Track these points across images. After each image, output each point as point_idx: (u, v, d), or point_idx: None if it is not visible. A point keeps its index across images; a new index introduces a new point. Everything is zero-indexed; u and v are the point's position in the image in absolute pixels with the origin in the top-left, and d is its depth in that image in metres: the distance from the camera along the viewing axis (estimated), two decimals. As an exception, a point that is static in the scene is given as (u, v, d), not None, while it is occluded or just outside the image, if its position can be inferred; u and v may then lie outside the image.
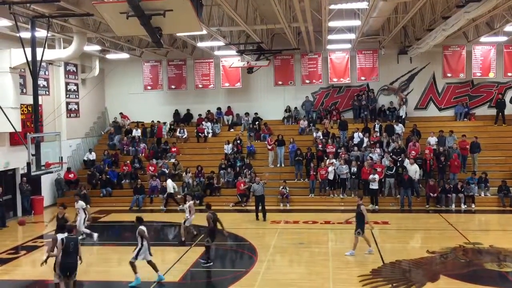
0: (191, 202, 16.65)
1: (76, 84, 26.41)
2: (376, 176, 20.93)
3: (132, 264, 11.96)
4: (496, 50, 25.14)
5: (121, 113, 28.20)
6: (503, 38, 22.90)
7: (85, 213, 16.39)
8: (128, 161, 24.91)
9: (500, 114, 25.12)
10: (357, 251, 14.12)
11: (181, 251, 15.06)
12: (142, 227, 12.16)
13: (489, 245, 14.96)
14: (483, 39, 23.10)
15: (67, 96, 25.20)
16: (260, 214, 19.38)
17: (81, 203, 16.40)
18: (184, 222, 16.39)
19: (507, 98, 25.50)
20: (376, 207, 20.88)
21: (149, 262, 12.14)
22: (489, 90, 26.06)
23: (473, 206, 20.80)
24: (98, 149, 26.75)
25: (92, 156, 25.70)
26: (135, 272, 11.89)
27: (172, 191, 22.22)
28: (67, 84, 25.22)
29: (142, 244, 12.02)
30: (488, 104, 26.05)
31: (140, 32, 9.23)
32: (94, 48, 23.16)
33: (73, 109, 26.03)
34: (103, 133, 28.37)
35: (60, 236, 10.75)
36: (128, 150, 26.30)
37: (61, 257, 10.48)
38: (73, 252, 10.54)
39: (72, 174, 24.21)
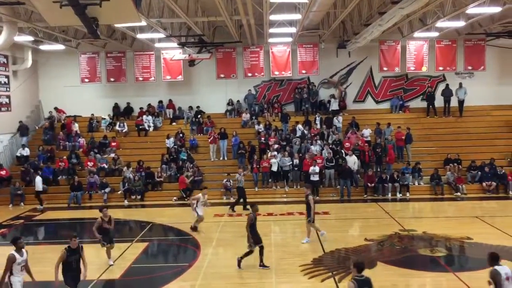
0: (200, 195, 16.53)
1: (7, 76, 25.08)
2: (316, 168, 21.40)
3: None
4: (429, 45, 26.31)
5: (55, 108, 27.09)
6: (435, 34, 23.99)
7: None
8: (64, 157, 23.97)
9: (431, 106, 26.39)
10: (289, 240, 14.39)
11: (123, 247, 14.73)
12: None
13: (422, 231, 15.70)
14: (416, 34, 24.09)
15: (-3, 88, 23.92)
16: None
17: None
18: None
19: (438, 91, 26.78)
20: (317, 197, 21.35)
21: None
22: (422, 84, 27.27)
23: (407, 194, 21.78)
24: (32, 144, 25.54)
25: (26, 151, 24.52)
26: None
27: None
28: (-4, 76, 23.93)
29: None
30: (421, 97, 27.27)
31: (75, 22, 8.91)
32: (26, 38, 22.08)
33: (3, 102, 24.72)
34: (37, 127, 27.11)
35: None
36: (64, 145, 25.31)
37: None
38: None
39: (4, 171, 23.01)
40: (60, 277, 9.62)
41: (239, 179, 20.09)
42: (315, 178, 21.40)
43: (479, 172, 22.33)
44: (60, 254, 9.56)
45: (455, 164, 22.68)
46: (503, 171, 22.11)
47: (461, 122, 26.05)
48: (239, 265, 12.43)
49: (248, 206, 18.58)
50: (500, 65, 26.81)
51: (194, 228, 16.18)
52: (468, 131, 25.52)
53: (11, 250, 9.25)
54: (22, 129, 25.49)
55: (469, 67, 26.72)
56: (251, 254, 12.47)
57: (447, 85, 26.40)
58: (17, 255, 9.15)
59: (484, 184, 21.93)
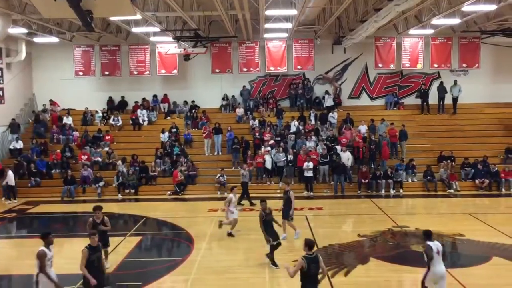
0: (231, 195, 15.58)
1: (1, 69, 24.90)
2: (310, 164, 21.43)
3: None
4: (424, 42, 26.35)
5: (50, 100, 26.98)
6: (430, 31, 24.01)
7: None
8: (58, 150, 23.86)
9: (425, 103, 26.46)
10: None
11: (115, 241, 14.69)
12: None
13: (415, 228, 15.78)
14: (411, 31, 24.11)
15: (-10, 81, 23.75)
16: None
17: None
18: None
19: (433, 89, 26.85)
20: (311, 193, 21.44)
21: None
22: (417, 81, 27.35)
23: (401, 191, 21.87)
24: (25, 137, 25.39)
25: (19, 144, 24.38)
26: None
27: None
28: (-11, 68, 23.75)
29: None
30: (416, 94, 27.33)
31: (69, 15, 8.84)
32: (20, 30, 21.88)
33: (-3, 95, 24.55)
34: (30, 120, 26.96)
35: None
36: (58, 138, 25.20)
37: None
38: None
39: (-3, 164, 22.90)
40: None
41: (244, 174, 20.03)
42: (309, 174, 21.45)
43: (472, 170, 22.44)
44: (82, 254, 9.09)
45: (449, 161, 22.79)
46: (496, 168, 22.23)
47: (455, 119, 26.16)
48: (274, 264, 11.97)
49: (253, 202, 18.70)
50: (495, 63, 26.92)
51: (230, 234, 15.04)
52: (462, 129, 25.64)
53: (40, 246, 8.99)
54: (14, 127, 25.12)
55: (464, 65, 26.81)
56: (277, 248, 12.21)
57: (441, 82, 26.49)
58: (47, 251, 8.93)
59: (477, 181, 22.05)
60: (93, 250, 9.17)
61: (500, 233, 15.03)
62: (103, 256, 9.67)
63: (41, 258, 8.76)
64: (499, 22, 22.95)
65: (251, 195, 19.72)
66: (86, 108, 26.68)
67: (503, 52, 26.43)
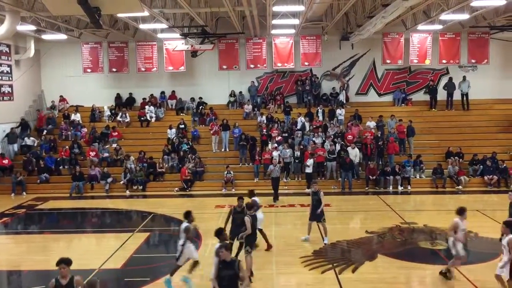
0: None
1: (10, 66, 25.05)
2: (310, 161, 21.34)
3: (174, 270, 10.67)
4: (432, 38, 26.17)
5: (61, 96, 27.19)
6: (438, 27, 23.85)
7: None
8: (67, 147, 24.02)
9: (433, 99, 26.31)
10: (291, 232, 14.36)
11: (123, 237, 14.80)
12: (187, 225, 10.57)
13: (423, 224, 15.73)
14: (420, 27, 23.95)
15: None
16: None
17: None
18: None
19: (441, 84, 26.68)
20: (308, 190, 21.34)
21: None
22: (425, 77, 27.17)
23: (409, 187, 21.79)
24: (34, 134, 25.57)
25: (31, 141, 24.58)
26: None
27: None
28: (-1, 65, 23.92)
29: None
30: (424, 90, 27.17)
31: (77, 12, 8.88)
32: (28, 28, 21.96)
33: (6, 91, 24.72)
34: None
35: None
36: (67, 135, 25.37)
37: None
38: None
39: (6, 160, 23.08)
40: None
41: (273, 169, 19.83)
42: (309, 170, 21.39)
43: (481, 166, 22.31)
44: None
45: (456, 157, 22.67)
46: (505, 165, 22.08)
47: (464, 115, 25.98)
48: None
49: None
50: (504, 58, 26.68)
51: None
52: (471, 125, 25.47)
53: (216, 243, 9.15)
54: (24, 127, 25.19)
55: (473, 61, 26.59)
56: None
57: (450, 78, 26.30)
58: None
59: (485, 178, 21.92)
60: (223, 265, 7.73)
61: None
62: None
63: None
64: (508, 17, 22.74)
65: (259, 191, 19.64)
66: (94, 105, 26.81)
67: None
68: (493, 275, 9.76)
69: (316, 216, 13.59)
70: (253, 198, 12.88)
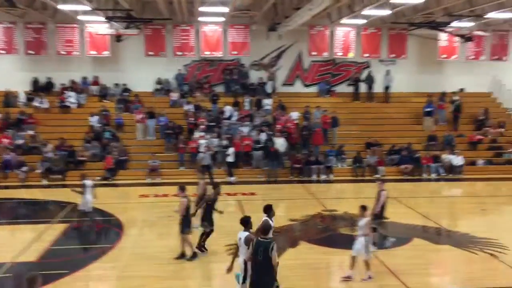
0: None
1: None
2: (231, 149, 21.44)
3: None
4: (356, 32, 27.07)
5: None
6: (362, 21, 24.68)
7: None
8: (-24, 133, 22.37)
9: (356, 91, 27.32)
10: (216, 221, 14.37)
11: (40, 229, 14.06)
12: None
13: (343, 211, 16.35)
14: (344, 20, 24.64)
15: None
16: None
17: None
18: None
19: (363, 77, 27.72)
20: (232, 178, 21.53)
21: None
22: (349, 69, 28.11)
23: (331, 176, 22.54)
24: None
25: None
26: None
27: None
28: None
29: None
30: (347, 82, 28.11)
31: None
32: None
33: None
34: None
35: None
36: (-23, 121, 23.60)
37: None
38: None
39: None
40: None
41: (203, 157, 19.87)
42: (230, 159, 21.69)
43: (398, 156, 23.53)
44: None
45: (376, 147, 23.75)
46: (419, 154, 23.46)
47: (384, 107, 27.21)
48: (201, 250, 12.09)
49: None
50: (420, 54, 28.18)
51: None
52: (390, 116, 26.75)
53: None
54: None
55: (392, 55, 27.85)
56: (210, 235, 12.25)
57: (369, 71, 27.41)
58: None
59: (401, 167, 23.16)
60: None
61: (420, 216, 15.93)
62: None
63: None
64: (425, 14, 23.96)
65: (184, 180, 19.39)
66: (8, 89, 25.06)
67: (428, 44, 27.67)
68: (404, 258, 10.31)
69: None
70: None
